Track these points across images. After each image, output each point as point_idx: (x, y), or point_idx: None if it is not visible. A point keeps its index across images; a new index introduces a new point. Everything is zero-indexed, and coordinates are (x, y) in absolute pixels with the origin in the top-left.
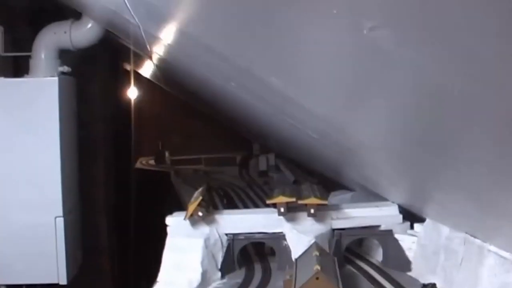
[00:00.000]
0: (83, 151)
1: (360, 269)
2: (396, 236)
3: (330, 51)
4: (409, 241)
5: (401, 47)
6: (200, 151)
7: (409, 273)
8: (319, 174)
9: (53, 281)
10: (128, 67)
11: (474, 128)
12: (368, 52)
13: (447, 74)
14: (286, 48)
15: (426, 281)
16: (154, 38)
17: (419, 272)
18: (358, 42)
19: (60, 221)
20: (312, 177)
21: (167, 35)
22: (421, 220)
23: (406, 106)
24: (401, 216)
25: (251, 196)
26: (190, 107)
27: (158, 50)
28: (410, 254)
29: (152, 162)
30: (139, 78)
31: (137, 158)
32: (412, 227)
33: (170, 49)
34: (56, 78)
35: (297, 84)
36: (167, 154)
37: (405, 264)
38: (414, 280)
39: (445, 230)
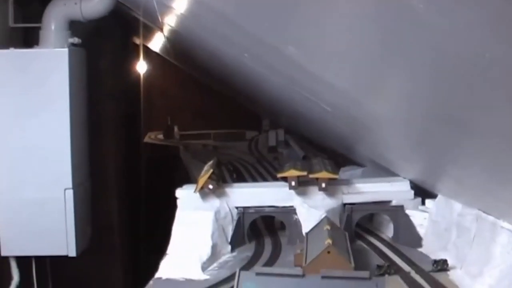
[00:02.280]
0: (93, 125)
1: (370, 244)
2: (407, 212)
3: (349, 18)
4: (420, 217)
5: (423, 10)
6: (210, 126)
7: (419, 249)
8: (329, 150)
9: (63, 253)
10: (138, 40)
11: (494, 98)
12: (388, 18)
13: (471, 39)
14: (304, 15)
15: (437, 258)
16: (166, 8)
17: (430, 248)
18: (379, 7)
19: (70, 193)
20: (322, 153)
21: (180, 3)
22: (433, 196)
23: (425, 75)
24: (412, 191)
25: (261, 171)
26: (200, 83)
27: (170, 21)
28: (421, 230)
29: (161, 136)
30: (148, 53)
31: (146, 133)
32: (423, 203)
33: (183, 19)
34: (66, 49)
35: (315, 54)
36: (176, 129)
37: (416, 240)
38: (425, 256)
39: (457, 206)
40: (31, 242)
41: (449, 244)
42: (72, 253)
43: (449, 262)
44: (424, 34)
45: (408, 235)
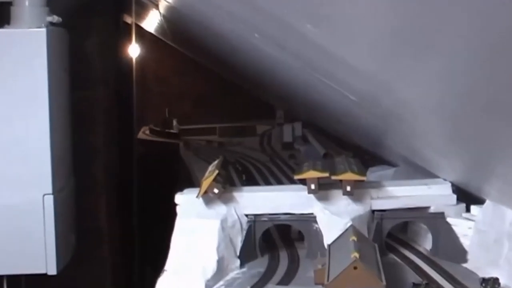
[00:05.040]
0: (79, 118)
1: (404, 258)
2: (449, 220)
3: None
4: (464, 226)
5: None
6: (214, 119)
7: (464, 265)
8: (355, 146)
9: (40, 270)
10: (129, 19)
11: None
12: None
13: None
14: None
15: (486, 275)
16: None
17: (477, 264)
18: None
19: (49, 199)
20: (346, 151)
21: None
22: (480, 201)
23: (471, 53)
24: (455, 196)
25: (275, 172)
26: (203, 68)
27: None
28: (465, 242)
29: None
30: (142, 33)
31: (139, 126)
32: (468, 210)
33: None
34: (44, 30)
35: (338, 33)
36: (175, 122)
37: (460, 254)
38: (471, 273)
39: (509, 214)
40: (1, 258)
41: (500, 259)
42: (52, 270)
43: (501, 281)
44: (469, 7)
45: (450, 248)
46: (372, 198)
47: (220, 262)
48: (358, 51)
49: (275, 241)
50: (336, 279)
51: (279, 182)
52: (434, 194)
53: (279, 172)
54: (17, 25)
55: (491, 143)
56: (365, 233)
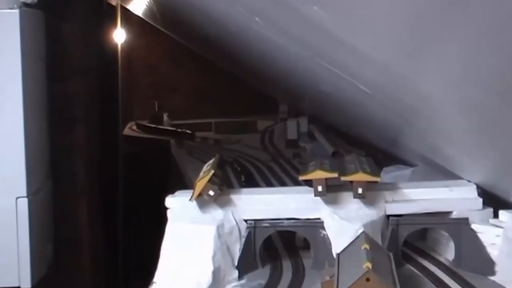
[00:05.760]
0: (56, 110)
1: (423, 269)
2: (474, 226)
3: None
4: (491, 234)
5: None
6: (210, 113)
7: (491, 278)
8: (367, 144)
9: (13, 283)
10: (114, 1)
11: None
12: None
13: None
14: None
15: None
16: None
17: (506, 276)
18: None
19: (23, 203)
20: (357, 149)
21: None
22: (509, 206)
23: (500, 43)
24: (480, 200)
25: (277, 173)
26: (197, 56)
27: None
28: (493, 252)
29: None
30: (129, 17)
31: (125, 121)
32: (496, 215)
33: None
34: (17, 11)
35: (349, 16)
36: (165, 117)
37: (486, 265)
38: (499, 287)
39: None
40: None
41: None
42: (26, 283)
43: None
44: None
45: (475, 258)
46: (386, 202)
47: (216, 273)
48: (373, 38)
49: (277, 249)
50: None
51: (282, 184)
52: (456, 198)
53: (282, 172)
54: None
55: None
56: (379, 240)
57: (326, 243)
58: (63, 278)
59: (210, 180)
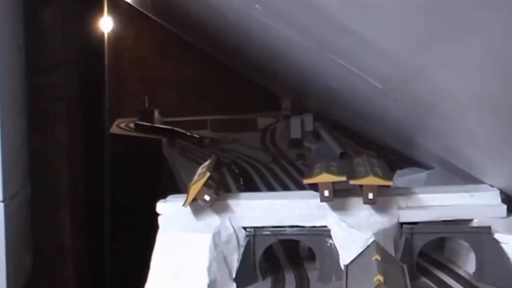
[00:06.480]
0: (36, 106)
1: (441, 283)
2: (497, 236)
3: None
4: None
5: None
6: (205, 110)
7: None
8: (378, 144)
9: None
10: None
11: None
12: None
13: None
14: None
15: None
16: None
17: None
18: None
19: None
20: (367, 149)
21: None
22: None
23: None
24: (504, 206)
25: (279, 175)
26: (192, 47)
27: None
28: None
29: (132, 125)
30: (116, 3)
31: (113, 118)
32: None
33: None
34: None
35: (359, 3)
36: (156, 114)
37: (511, 279)
38: None
39: None
40: None
41: None
42: None
43: None
44: None
45: (498, 271)
46: (400, 208)
47: (212, 286)
48: (386, 27)
49: (279, 260)
50: None
51: (285, 188)
52: (478, 204)
53: (284, 175)
54: None
55: None
56: (391, 251)
57: (333, 253)
58: None
59: (205, 184)
